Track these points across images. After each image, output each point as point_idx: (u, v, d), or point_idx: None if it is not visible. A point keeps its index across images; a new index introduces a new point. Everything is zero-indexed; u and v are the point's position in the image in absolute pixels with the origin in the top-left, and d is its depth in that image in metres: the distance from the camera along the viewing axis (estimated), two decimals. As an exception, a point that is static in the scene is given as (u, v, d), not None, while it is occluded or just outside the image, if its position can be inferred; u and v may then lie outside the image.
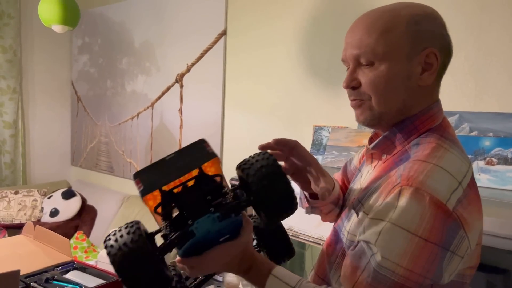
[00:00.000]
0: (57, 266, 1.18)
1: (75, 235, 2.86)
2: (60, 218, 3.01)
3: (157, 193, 0.68)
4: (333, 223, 1.03)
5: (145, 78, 3.04)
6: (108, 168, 3.39)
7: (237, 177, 0.79)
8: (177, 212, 0.71)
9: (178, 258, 0.76)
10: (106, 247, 0.64)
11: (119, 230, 0.65)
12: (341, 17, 2.04)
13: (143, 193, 0.67)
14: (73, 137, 3.75)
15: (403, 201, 0.69)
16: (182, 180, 0.69)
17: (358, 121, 0.86)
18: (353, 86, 0.82)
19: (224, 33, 2.52)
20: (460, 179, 0.72)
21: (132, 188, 3.14)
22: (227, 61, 2.54)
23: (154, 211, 0.68)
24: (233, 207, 0.72)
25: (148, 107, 3.04)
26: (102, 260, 1.27)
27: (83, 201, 3.14)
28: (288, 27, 2.24)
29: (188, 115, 2.77)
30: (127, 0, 3.14)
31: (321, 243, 1.55)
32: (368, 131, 1.98)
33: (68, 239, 1.22)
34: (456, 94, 1.69)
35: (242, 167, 0.74)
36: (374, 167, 0.89)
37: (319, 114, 2.14)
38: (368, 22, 0.80)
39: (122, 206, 3.02)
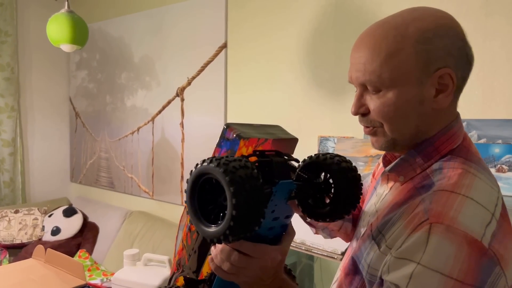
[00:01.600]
0: (71, 290, 1.16)
1: (78, 253, 2.82)
2: (62, 236, 2.96)
3: (247, 145, 0.69)
4: (348, 246, 1.00)
5: (145, 92, 3.02)
6: (109, 184, 3.36)
7: None
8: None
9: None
10: (220, 164, 0.59)
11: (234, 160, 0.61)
12: (344, 28, 2.04)
13: (240, 137, 0.67)
14: (72, 154, 3.72)
15: (434, 241, 0.63)
16: (265, 148, 0.70)
17: (373, 146, 0.82)
18: (362, 112, 0.78)
19: (224, 46, 2.51)
20: (492, 210, 0.68)
21: (134, 203, 3.12)
22: (228, 74, 2.53)
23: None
24: (308, 184, 0.75)
25: (148, 122, 3.02)
26: (116, 283, 1.24)
27: (85, 218, 3.10)
28: (290, 39, 2.24)
29: (190, 129, 2.75)
30: (126, 15, 3.13)
31: (335, 257, 1.53)
32: (375, 141, 1.97)
33: (81, 263, 1.19)
34: (463, 101, 1.68)
35: (325, 155, 0.78)
36: (390, 188, 0.84)
37: (324, 125, 2.13)
38: (372, 44, 0.73)
39: (125, 222, 2.98)
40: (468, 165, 0.73)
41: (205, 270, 0.78)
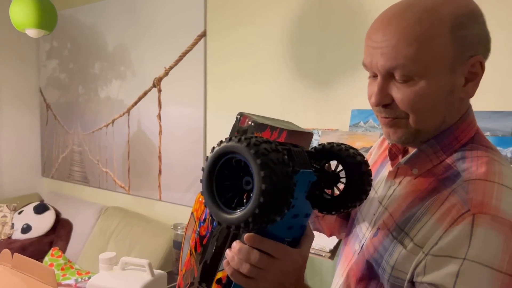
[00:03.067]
0: (41, 299, 1.06)
1: (50, 251, 2.70)
2: (33, 234, 2.83)
3: (256, 133, 0.64)
4: (341, 249, 0.94)
5: (120, 83, 2.90)
6: (82, 179, 3.23)
7: None
8: None
9: (253, 237, 0.61)
10: (251, 144, 0.54)
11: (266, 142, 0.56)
12: (328, 17, 1.97)
13: (257, 123, 0.63)
14: (43, 147, 3.56)
15: (480, 233, 0.59)
16: (273, 138, 0.66)
17: (389, 139, 0.75)
18: (386, 103, 0.71)
19: (203, 34, 2.41)
20: None
21: (109, 199, 3.01)
22: (208, 63, 2.44)
23: None
24: (327, 176, 0.74)
25: (124, 114, 2.90)
26: (92, 289, 1.15)
27: (57, 214, 2.97)
28: (272, 27, 2.15)
29: (168, 121, 2.65)
30: (98, 1, 2.98)
31: (323, 255, 1.47)
32: (361, 134, 1.92)
33: (52, 269, 1.10)
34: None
35: (340, 146, 0.75)
36: (399, 183, 0.78)
37: (308, 117, 2.07)
38: (404, 26, 0.66)
39: (100, 218, 2.87)
40: (491, 153, 0.70)
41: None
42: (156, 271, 1.19)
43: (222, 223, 0.57)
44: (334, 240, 1.47)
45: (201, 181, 0.60)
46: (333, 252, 1.45)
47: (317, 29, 2.01)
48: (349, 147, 0.76)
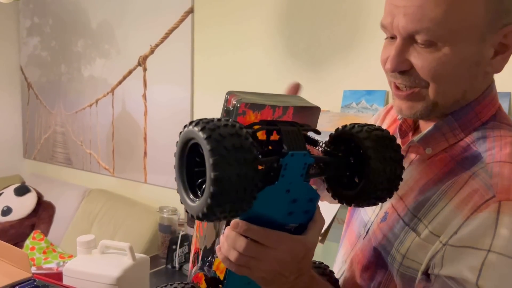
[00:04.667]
0: (14, 285, 1.00)
1: (32, 234, 2.62)
2: (13, 217, 2.75)
3: (252, 115, 0.59)
4: (344, 233, 0.88)
5: (104, 61, 2.80)
6: (65, 160, 3.14)
7: None
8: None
9: (239, 223, 0.56)
10: (205, 129, 0.49)
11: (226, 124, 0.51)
12: (321, -8, 1.90)
13: (240, 101, 0.57)
14: (25, 128, 3.45)
15: (507, 221, 0.53)
16: (275, 117, 0.60)
17: (401, 113, 0.68)
18: (403, 69, 0.63)
19: (191, 10, 2.32)
20: None
21: (93, 181, 2.93)
22: (195, 41, 2.35)
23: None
24: (328, 160, 0.62)
25: (108, 93, 2.80)
26: (69, 274, 1.09)
27: (39, 197, 2.89)
28: (263, 4, 2.07)
29: (153, 101, 2.57)
30: (81, -25, 2.87)
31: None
32: (353, 115, 1.87)
33: (26, 252, 1.03)
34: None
35: (356, 127, 0.62)
36: (410, 163, 0.72)
37: (299, 98, 2.01)
38: None
39: (84, 201, 2.80)
40: None
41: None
42: (138, 255, 1.13)
43: (188, 211, 0.53)
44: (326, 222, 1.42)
45: (174, 167, 0.55)
46: (324, 236, 1.40)
47: (309, 5, 1.94)
48: (363, 125, 0.63)
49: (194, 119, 0.51)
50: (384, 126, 0.87)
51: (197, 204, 0.51)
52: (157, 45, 2.49)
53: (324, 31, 1.91)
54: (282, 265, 0.57)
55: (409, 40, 0.62)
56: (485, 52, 0.61)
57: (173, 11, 2.38)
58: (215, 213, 0.50)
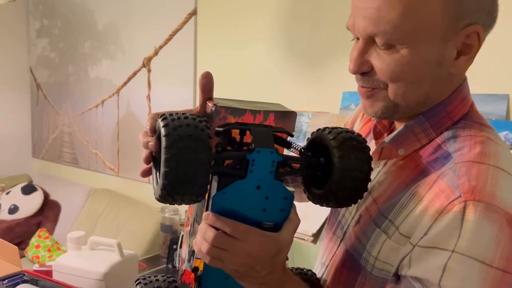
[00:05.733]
0: (3, 279, 1.02)
1: (37, 232, 2.67)
2: (20, 215, 2.80)
3: (232, 120, 0.61)
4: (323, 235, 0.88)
5: (110, 62, 2.84)
6: (72, 160, 3.19)
7: None
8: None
9: (209, 215, 0.57)
10: (165, 119, 0.54)
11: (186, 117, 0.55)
12: (320, -6, 1.91)
13: (216, 106, 0.60)
14: (34, 128, 3.51)
15: (471, 222, 0.52)
16: (256, 122, 0.62)
17: (366, 112, 0.68)
18: (364, 71, 0.63)
19: (194, 12, 2.34)
20: None
21: (98, 181, 2.97)
22: (198, 43, 2.38)
23: (216, 132, 0.60)
24: (300, 160, 0.63)
25: (113, 94, 2.84)
26: (58, 270, 1.10)
27: (46, 196, 2.94)
28: (264, 6, 2.08)
29: (157, 102, 2.60)
30: (88, -22, 2.91)
31: (305, 239, 1.43)
32: (351, 116, 1.86)
33: (16, 246, 1.05)
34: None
35: (327, 130, 0.63)
36: (384, 165, 0.71)
37: (298, 99, 2.01)
38: None
39: (89, 200, 2.84)
40: (487, 131, 0.62)
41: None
42: (126, 252, 1.14)
43: (154, 194, 0.56)
44: (317, 223, 1.42)
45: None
46: (316, 236, 1.40)
47: (309, 7, 1.95)
48: (341, 130, 0.63)
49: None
50: (357, 125, 0.87)
51: (158, 186, 0.54)
52: (161, 47, 2.52)
53: (324, 34, 1.91)
54: (253, 259, 0.58)
55: (370, 41, 0.62)
56: (447, 53, 0.60)
57: (176, 13, 2.41)
58: (169, 193, 0.53)
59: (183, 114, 0.54)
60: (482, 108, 1.51)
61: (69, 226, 2.80)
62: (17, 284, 1.04)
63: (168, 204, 0.59)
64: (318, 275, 0.81)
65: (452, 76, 0.64)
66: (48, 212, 2.88)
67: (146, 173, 0.65)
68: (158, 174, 0.57)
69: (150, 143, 0.58)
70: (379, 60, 0.61)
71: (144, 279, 0.72)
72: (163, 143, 0.52)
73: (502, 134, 1.48)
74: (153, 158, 0.61)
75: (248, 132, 0.58)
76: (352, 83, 2.02)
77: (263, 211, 0.60)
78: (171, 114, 0.55)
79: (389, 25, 0.58)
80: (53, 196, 2.98)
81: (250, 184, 0.57)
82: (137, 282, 0.71)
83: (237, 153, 0.57)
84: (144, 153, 0.62)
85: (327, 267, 0.78)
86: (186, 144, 0.52)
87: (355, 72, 0.64)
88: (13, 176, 3.28)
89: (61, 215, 2.89)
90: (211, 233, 0.57)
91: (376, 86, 0.64)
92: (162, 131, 0.52)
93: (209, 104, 0.62)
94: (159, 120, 0.55)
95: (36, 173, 3.43)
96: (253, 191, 0.58)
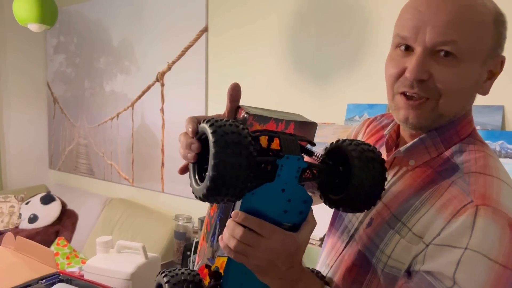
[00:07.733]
0: (41, 279, 1.12)
1: (56, 241, 2.77)
2: (39, 224, 2.91)
3: (258, 127, 0.66)
4: (325, 238, 0.95)
5: (125, 77, 2.96)
6: (88, 171, 3.30)
7: None
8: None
9: (238, 213, 0.63)
10: (212, 125, 0.58)
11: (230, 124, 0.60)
12: (325, 12, 2.01)
13: (249, 113, 0.65)
14: (51, 140, 3.64)
15: (481, 223, 0.60)
16: (278, 130, 0.67)
17: (407, 122, 0.71)
18: (424, 78, 0.68)
19: (205, 29, 2.46)
20: None
21: (114, 191, 3.07)
22: (209, 58, 2.49)
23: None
24: (321, 167, 0.68)
25: (128, 107, 2.96)
26: (89, 270, 1.21)
27: (63, 205, 3.04)
28: (271, 23, 2.20)
29: (170, 115, 2.71)
30: (104, -3, 3.05)
31: (313, 243, 1.52)
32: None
33: (52, 250, 1.16)
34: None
35: (346, 142, 0.69)
36: (394, 174, 0.78)
37: (305, 111, 2.08)
38: (461, 5, 0.65)
39: (105, 209, 2.94)
40: (486, 148, 0.72)
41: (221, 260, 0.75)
42: (150, 254, 1.24)
43: (194, 193, 0.62)
44: (324, 228, 1.50)
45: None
46: (321, 239, 1.49)
47: (314, 24, 2.05)
48: (360, 142, 0.69)
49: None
50: (360, 138, 0.94)
51: (201, 187, 0.59)
52: (174, 62, 2.63)
53: (329, 48, 2.01)
54: (275, 254, 0.64)
55: (430, 51, 0.67)
56: (482, 74, 0.69)
57: (189, 30, 2.53)
58: (213, 194, 0.58)
59: (226, 120, 0.59)
60: (478, 119, 1.61)
61: (86, 234, 2.90)
62: (54, 283, 1.15)
63: (204, 202, 0.63)
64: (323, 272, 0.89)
65: (475, 96, 0.73)
66: (66, 221, 2.98)
67: (184, 171, 0.70)
68: (197, 174, 0.63)
69: (193, 144, 0.63)
70: (440, 71, 0.67)
71: (170, 271, 0.76)
72: (212, 149, 0.56)
73: (498, 143, 1.56)
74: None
75: (276, 139, 0.65)
76: (355, 96, 2.13)
77: (284, 212, 0.66)
78: (216, 121, 0.59)
79: (460, 37, 0.65)
80: (70, 206, 3.08)
81: (276, 187, 0.63)
82: (163, 275, 0.75)
83: (269, 158, 0.63)
84: (183, 151, 0.66)
85: (331, 267, 0.85)
86: (233, 150, 0.56)
87: (415, 78, 0.68)
88: (31, 186, 3.40)
89: (78, 224, 2.99)
90: (239, 230, 0.63)
91: (429, 95, 0.69)
92: (211, 137, 0.56)
93: (241, 111, 0.68)
94: (206, 125, 0.58)
95: (53, 184, 3.55)
96: (278, 194, 0.63)
